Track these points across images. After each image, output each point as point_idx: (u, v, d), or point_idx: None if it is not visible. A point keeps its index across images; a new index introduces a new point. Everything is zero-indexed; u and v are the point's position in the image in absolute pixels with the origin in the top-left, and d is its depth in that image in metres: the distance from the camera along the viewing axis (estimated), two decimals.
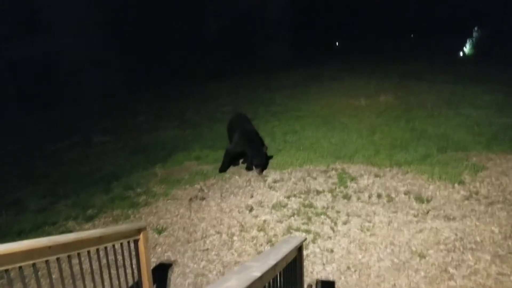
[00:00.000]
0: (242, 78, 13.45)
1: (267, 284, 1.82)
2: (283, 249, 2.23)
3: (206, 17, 19.93)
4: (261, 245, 4.18)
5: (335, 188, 5.21)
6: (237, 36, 19.09)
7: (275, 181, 5.55)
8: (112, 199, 5.47)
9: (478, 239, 3.90)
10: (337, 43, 19.84)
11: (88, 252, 2.51)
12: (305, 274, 3.18)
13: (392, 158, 5.91)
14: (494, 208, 4.39)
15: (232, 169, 6.11)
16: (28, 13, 16.57)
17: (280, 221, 4.56)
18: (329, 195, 5.04)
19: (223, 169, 6.02)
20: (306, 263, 3.70)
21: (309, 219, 4.55)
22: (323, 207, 4.76)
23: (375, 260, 3.77)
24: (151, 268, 3.42)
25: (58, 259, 2.26)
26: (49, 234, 4.67)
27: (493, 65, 12.16)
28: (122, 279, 2.95)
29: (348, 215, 4.56)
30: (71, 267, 2.36)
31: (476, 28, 15.47)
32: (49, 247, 2.15)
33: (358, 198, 4.91)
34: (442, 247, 3.84)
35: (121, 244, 2.88)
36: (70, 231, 4.64)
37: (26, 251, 2.01)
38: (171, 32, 18.13)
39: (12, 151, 8.19)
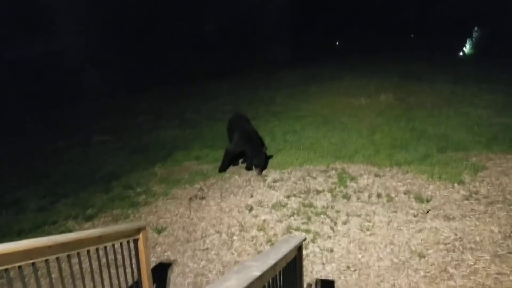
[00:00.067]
0: (242, 78, 13.46)
1: (266, 284, 1.82)
2: (283, 249, 2.23)
3: (206, 17, 19.93)
4: (261, 244, 4.18)
5: (335, 187, 5.21)
6: (237, 36, 19.09)
7: (275, 181, 5.55)
8: (112, 199, 5.48)
9: (477, 239, 3.90)
10: (337, 43, 19.83)
11: (88, 251, 2.51)
12: (304, 273, 3.19)
13: (392, 158, 5.91)
14: (493, 208, 4.39)
15: (232, 168, 6.11)
16: (28, 13, 16.57)
17: (280, 221, 4.56)
18: (329, 195, 5.04)
19: (222, 168, 6.02)
20: (306, 263, 3.71)
21: (309, 218, 4.55)
22: (323, 207, 4.76)
23: (374, 259, 3.77)
24: (151, 267, 3.42)
25: (57, 258, 2.26)
26: (49, 233, 4.67)
27: (493, 65, 12.17)
28: (122, 278, 2.95)
29: (348, 214, 4.56)
30: (70, 266, 2.36)
31: (476, 28, 15.46)
32: (49, 247, 2.15)
33: (358, 198, 4.91)
34: (441, 246, 3.84)
35: (121, 243, 2.88)
36: (70, 231, 4.64)
37: (25, 250, 2.01)
38: (171, 32, 18.13)
39: (12, 151, 8.19)
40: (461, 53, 15.25)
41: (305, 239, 3.43)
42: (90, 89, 13.91)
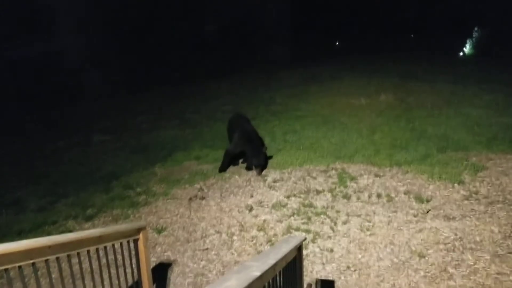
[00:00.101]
0: (242, 78, 13.46)
1: (266, 284, 1.82)
2: (283, 249, 2.23)
3: (206, 17, 19.94)
4: (261, 244, 4.18)
5: (335, 187, 5.21)
6: (237, 36, 19.10)
7: (275, 181, 5.55)
8: (112, 199, 5.47)
9: (477, 238, 3.90)
10: (337, 43, 19.83)
11: (88, 251, 2.51)
12: (304, 273, 3.19)
13: (392, 158, 5.91)
14: (493, 208, 4.39)
15: (232, 169, 6.11)
16: (28, 13, 16.58)
17: (280, 221, 4.56)
18: (329, 195, 5.04)
19: (222, 169, 6.02)
20: (306, 263, 3.71)
21: (309, 218, 4.55)
22: (323, 207, 4.76)
23: (374, 259, 3.77)
24: (151, 267, 3.42)
25: (57, 258, 2.26)
26: (49, 233, 4.67)
27: (493, 65, 12.17)
28: (122, 278, 2.95)
29: (348, 214, 4.56)
30: (70, 266, 2.36)
31: (476, 28, 15.46)
32: (49, 247, 2.15)
33: (358, 198, 4.91)
34: (441, 246, 3.84)
35: (121, 243, 2.88)
36: (70, 231, 4.64)
37: (26, 250, 2.01)
38: (171, 32, 18.14)
39: (12, 151, 8.19)
40: (461, 54, 15.24)
41: (305, 239, 3.43)
42: (90, 89, 13.92)
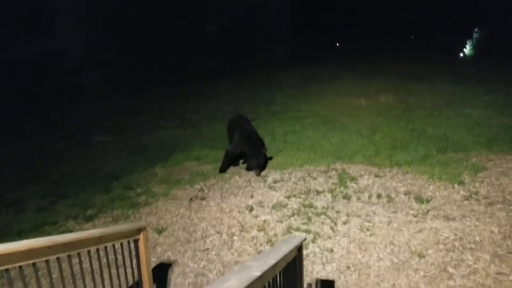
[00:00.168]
0: (242, 78, 13.46)
1: (267, 284, 1.82)
2: (283, 249, 2.23)
3: (206, 17, 19.94)
4: (261, 245, 4.18)
5: (335, 188, 5.21)
6: (237, 36, 19.10)
7: (275, 181, 5.55)
8: (112, 199, 5.48)
9: (477, 239, 3.90)
10: (337, 43, 19.83)
11: (88, 251, 2.51)
12: (305, 273, 3.19)
13: (392, 159, 5.92)
14: (493, 208, 4.39)
15: (232, 169, 6.11)
16: (28, 13, 16.58)
17: (280, 221, 4.56)
18: (329, 195, 5.04)
19: (223, 169, 6.03)
20: (306, 263, 3.71)
21: (309, 219, 4.55)
22: (323, 207, 4.76)
23: (374, 259, 3.77)
24: (151, 267, 3.42)
25: (58, 258, 2.27)
26: (49, 234, 4.67)
27: (493, 65, 12.17)
28: (122, 278, 2.95)
29: (348, 215, 4.57)
30: (71, 266, 2.36)
31: (476, 29, 15.46)
32: (49, 247, 2.15)
33: (358, 198, 4.92)
34: (441, 247, 3.84)
35: (121, 244, 2.88)
36: (70, 231, 4.64)
37: (26, 250, 2.01)
38: (171, 32, 18.14)
39: (12, 151, 8.19)
40: (461, 54, 15.25)
41: (305, 239, 3.44)
42: (90, 89, 13.92)
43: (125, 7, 17.44)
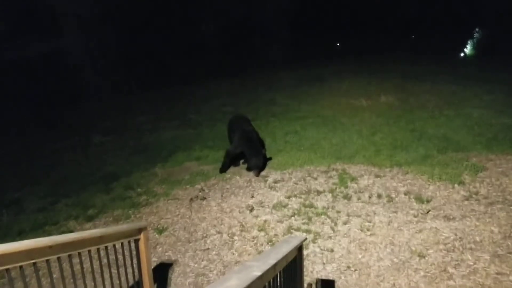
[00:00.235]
0: (242, 78, 13.46)
1: (267, 284, 1.82)
2: (283, 249, 2.24)
3: (206, 17, 19.95)
4: (262, 245, 4.19)
5: (336, 188, 5.22)
6: (237, 36, 19.09)
7: (275, 181, 5.56)
8: (113, 199, 5.48)
9: (477, 239, 3.90)
10: (337, 43, 19.82)
11: (89, 251, 2.52)
12: (305, 273, 3.19)
13: (392, 159, 5.92)
14: (493, 209, 4.39)
15: (232, 169, 6.11)
16: (28, 13, 16.59)
17: (281, 221, 4.57)
18: (329, 195, 5.04)
19: (223, 169, 6.03)
20: (306, 263, 3.71)
21: (310, 219, 4.55)
22: (324, 207, 4.77)
23: (375, 259, 3.78)
24: (152, 267, 3.42)
25: (59, 258, 2.27)
26: (49, 234, 4.68)
27: (493, 65, 12.16)
28: (123, 278, 2.96)
29: (348, 215, 4.57)
30: (71, 266, 2.36)
31: (477, 29, 15.45)
32: (50, 247, 2.15)
33: (359, 198, 4.92)
34: (441, 247, 3.84)
35: (122, 243, 2.89)
36: (71, 231, 4.65)
37: (27, 250, 2.02)
38: (171, 32, 18.14)
39: (12, 151, 8.20)
40: (462, 54, 15.24)
41: (305, 239, 3.44)
42: (90, 89, 13.91)
43: (125, 7, 17.45)
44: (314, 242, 4.12)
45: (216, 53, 17.84)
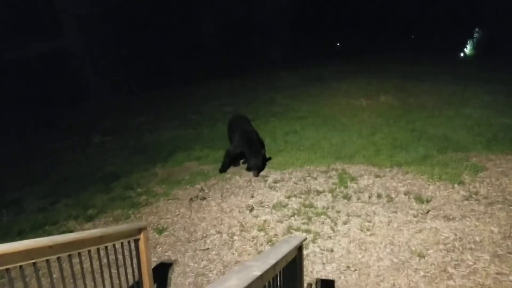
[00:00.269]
0: (242, 78, 13.45)
1: (267, 283, 1.82)
2: (283, 249, 2.24)
3: (206, 17, 19.94)
4: (262, 244, 4.19)
5: (336, 188, 5.22)
6: (237, 36, 19.09)
7: (275, 181, 5.56)
8: (113, 199, 5.49)
9: (477, 239, 3.90)
10: (337, 43, 19.82)
11: (89, 251, 2.52)
12: (305, 273, 3.19)
13: (392, 159, 5.92)
14: (493, 209, 4.39)
15: (232, 169, 6.12)
16: (28, 13, 16.58)
17: (281, 221, 4.57)
18: (329, 195, 5.05)
19: (223, 169, 6.03)
20: (306, 263, 3.71)
21: (309, 219, 4.55)
22: (323, 207, 4.77)
23: (374, 259, 3.78)
24: (152, 267, 3.42)
25: (58, 258, 2.27)
26: (49, 233, 4.68)
27: (493, 65, 12.16)
28: (123, 278, 2.96)
29: (348, 215, 4.57)
30: (71, 266, 2.36)
31: (477, 29, 15.44)
32: (50, 247, 2.15)
33: (358, 198, 4.92)
34: (441, 247, 3.85)
35: (122, 243, 2.89)
36: (71, 231, 4.66)
37: (27, 250, 2.02)
38: (171, 32, 18.14)
39: (12, 151, 8.20)
40: (462, 54, 15.23)
41: (305, 239, 3.44)
42: (90, 89, 13.91)
43: (125, 7, 17.45)
44: (314, 242, 4.13)
45: (216, 53, 17.84)
